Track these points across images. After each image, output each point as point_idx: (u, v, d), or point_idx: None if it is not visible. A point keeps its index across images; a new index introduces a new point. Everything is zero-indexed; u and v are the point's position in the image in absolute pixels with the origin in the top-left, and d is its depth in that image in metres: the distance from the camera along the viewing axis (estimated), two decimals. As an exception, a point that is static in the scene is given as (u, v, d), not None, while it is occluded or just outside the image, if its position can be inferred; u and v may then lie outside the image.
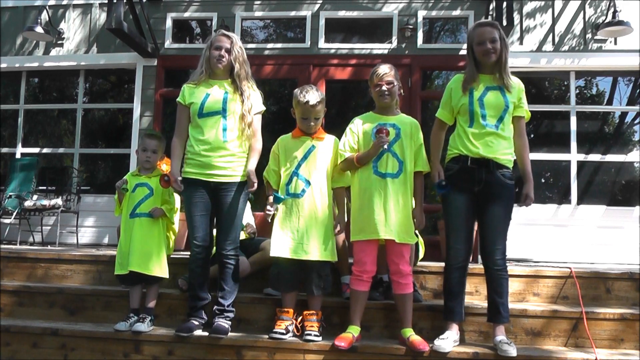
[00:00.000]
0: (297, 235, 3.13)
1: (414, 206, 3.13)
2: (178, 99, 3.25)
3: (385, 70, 3.12)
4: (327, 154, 3.25)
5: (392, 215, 3.00)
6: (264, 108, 3.31)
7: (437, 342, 2.98)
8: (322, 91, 3.31)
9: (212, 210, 3.22)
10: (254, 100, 3.23)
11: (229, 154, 3.14)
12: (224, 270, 3.18)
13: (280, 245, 3.13)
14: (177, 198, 3.71)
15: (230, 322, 3.19)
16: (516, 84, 3.09)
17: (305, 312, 3.16)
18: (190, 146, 3.18)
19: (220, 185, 3.15)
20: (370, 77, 3.16)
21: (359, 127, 3.18)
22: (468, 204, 3.04)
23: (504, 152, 3.01)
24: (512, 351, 2.89)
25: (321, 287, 3.14)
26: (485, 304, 3.17)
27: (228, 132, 3.14)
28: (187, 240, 3.79)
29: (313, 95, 3.15)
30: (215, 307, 3.20)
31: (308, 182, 3.18)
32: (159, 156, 3.47)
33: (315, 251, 3.11)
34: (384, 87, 3.10)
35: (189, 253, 3.30)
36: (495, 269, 3.00)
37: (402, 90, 3.22)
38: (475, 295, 3.54)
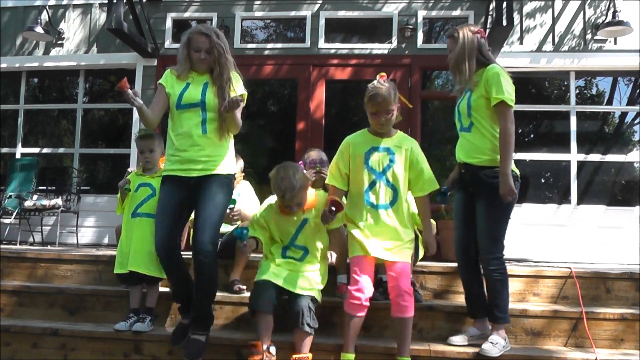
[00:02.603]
0: (292, 274, 3.01)
1: (422, 226, 3.02)
2: (160, 81, 3.06)
3: (385, 98, 2.85)
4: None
5: (386, 242, 2.85)
6: (245, 92, 3.06)
7: (452, 337, 3.08)
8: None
9: (187, 209, 3.02)
10: (235, 88, 3.00)
11: (210, 147, 2.94)
12: (198, 272, 2.89)
13: (273, 274, 2.99)
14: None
15: (206, 334, 2.97)
16: (481, 76, 2.96)
17: (294, 357, 2.84)
18: (170, 141, 3.01)
19: (200, 180, 2.93)
20: (367, 101, 2.90)
21: (350, 149, 2.98)
22: (464, 204, 3.08)
23: (478, 151, 2.97)
24: (491, 351, 2.88)
25: (311, 324, 2.86)
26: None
27: (208, 125, 2.94)
28: (187, 240, 3.78)
29: (290, 184, 2.89)
30: (192, 317, 2.99)
31: (306, 249, 3.08)
32: (158, 154, 3.44)
33: (308, 286, 2.99)
34: (383, 118, 2.89)
35: (189, 253, 3.28)
36: (488, 269, 2.97)
37: (400, 113, 2.97)
38: (475, 295, 3.53)
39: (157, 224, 2.97)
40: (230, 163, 3.03)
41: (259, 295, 2.93)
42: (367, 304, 2.81)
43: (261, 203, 3.47)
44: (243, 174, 4.21)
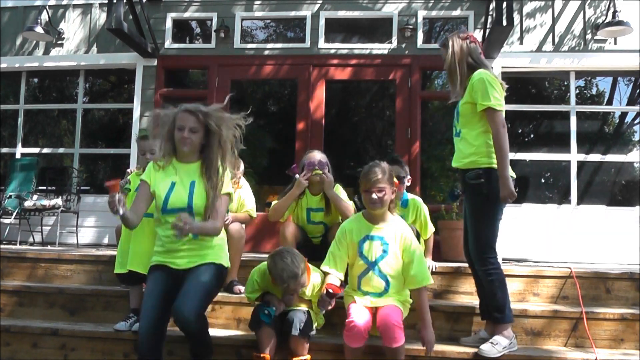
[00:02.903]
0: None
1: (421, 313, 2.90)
2: (142, 177, 2.83)
3: (377, 175, 2.80)
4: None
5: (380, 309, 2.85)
6: (231, 191, 2.86)
7: (463, 338, 3.14)
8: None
9: (169, 297, 2.69)
10: (222, 184, 2.78)
11: (200, 248, 2.76)
12: (187, 336, 2.71)
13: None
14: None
15: None
16: (467, 84, 2.99)
17: None
18: (158, 236, 2.83)
19: (188, 269, 2.74)
20: (361, 178, 2.86)
21: (347, 237, 2.92)
22: (465, 206, 3.15)
23: (462, 155, 3.02)
24: (489, 351, 2.89)
25: (303, 330, 2.87)
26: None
27: None
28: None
29: (292, 272, 2.76)
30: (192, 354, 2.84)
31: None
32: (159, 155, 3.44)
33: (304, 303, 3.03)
34: (374, 196, 2.81)
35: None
36: (481, 270, 2.98)
37: (394, 196, 2.91)
38: (475, 295, 3.53)
39: (142, 314, 2.71)
40: (222, 255, 2.85)
41: (261, 312, 2.88)
42: (366, 335, 2.74)
43: (258, 202, 3.45)
44: (243, 176, 4.17)
